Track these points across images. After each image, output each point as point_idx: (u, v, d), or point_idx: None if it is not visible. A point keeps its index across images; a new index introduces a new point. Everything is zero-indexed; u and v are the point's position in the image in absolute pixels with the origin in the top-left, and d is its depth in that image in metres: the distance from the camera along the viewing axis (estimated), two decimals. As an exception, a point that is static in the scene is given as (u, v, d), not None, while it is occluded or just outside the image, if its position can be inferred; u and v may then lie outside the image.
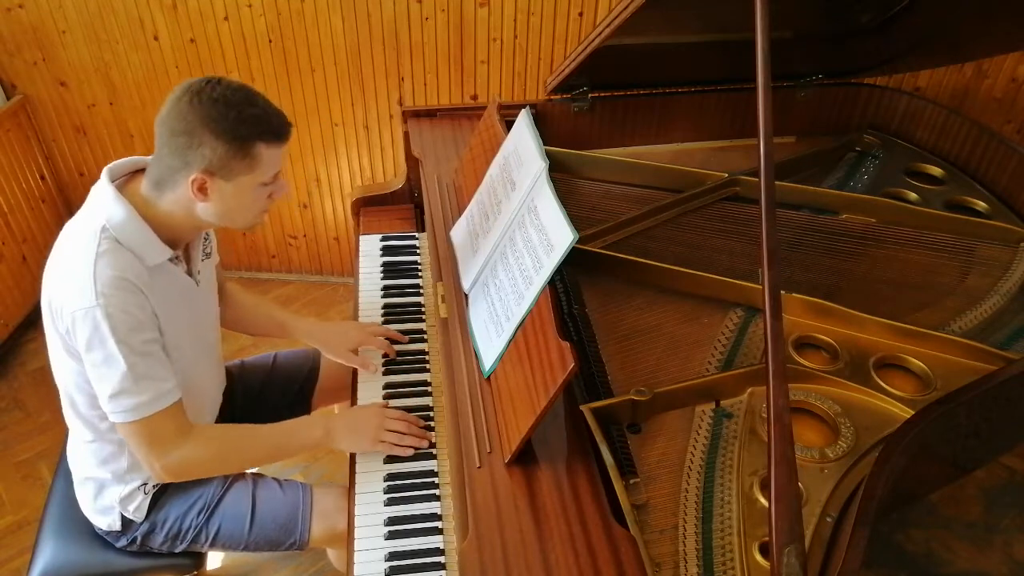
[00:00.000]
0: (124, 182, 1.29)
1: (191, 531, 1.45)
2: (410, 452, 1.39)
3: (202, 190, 1.21)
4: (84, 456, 1.42)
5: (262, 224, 1.37)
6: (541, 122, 1.83)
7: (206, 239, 1.46)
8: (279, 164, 1.27)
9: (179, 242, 1.33)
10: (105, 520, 1.45)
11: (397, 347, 1.61)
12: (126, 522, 1.44)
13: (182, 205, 1.25)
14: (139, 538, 1.46)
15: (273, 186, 1.29)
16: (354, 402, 1.53)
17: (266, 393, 1.72)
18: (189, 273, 1.38)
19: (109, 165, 1.28)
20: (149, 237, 1.25)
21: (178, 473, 1.35)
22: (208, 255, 1.46)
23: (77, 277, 1.19)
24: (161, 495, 1.46)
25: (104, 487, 1.42)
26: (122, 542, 1.47)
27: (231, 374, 1.71)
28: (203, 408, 1.50)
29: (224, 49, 2.47)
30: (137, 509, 1.43)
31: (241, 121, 1.18)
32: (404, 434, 1.39)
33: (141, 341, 1.22)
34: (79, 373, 1.27)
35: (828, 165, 1.89)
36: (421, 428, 1.43)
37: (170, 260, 1.30)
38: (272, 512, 1.47)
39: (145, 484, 1.43)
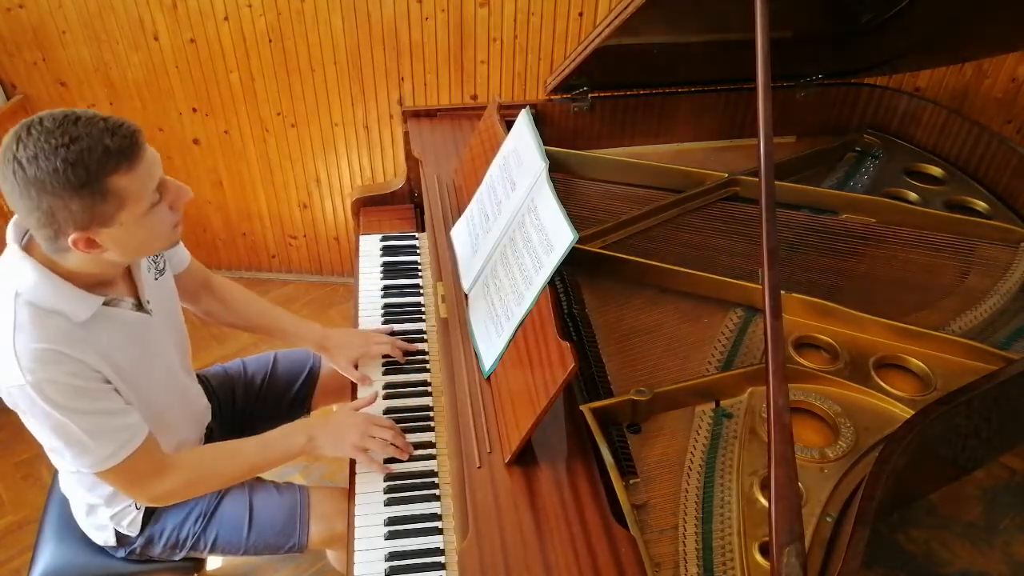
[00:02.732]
0: (32, 237, 1.16)
1: (189, 540, 1.45)
2: (387, 470, 1.36)
3: (90, 245, 1.09)
4: (71, 483, 1.40)
5: (180, 240, 1.22)
6: (541, 122, 1.83)
7: (156, 255, 1.36)
8: (153, 177, 1.10)
9: (109, 285, 1.22)
10: (101, 536, 1.44)
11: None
12: (121, 537, 1.44)
13: (88, 260, 1.13)
14: (138, 550, 1.45)
15: (165, 198, 1.14)
16: (354, 400, 1.53)
17: (267, 393, 1.72)
18: (139, 306, 1.28)
19: (13, 219, 1.16)
20: (69, 293, 1.14)
21: (163, 501, 1.35)
22: (162, 271, 1.37)
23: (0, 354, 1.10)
24: (155, 508, 1.44)
25: (95, 508, 1.41)
26: (121, 553, 1.46)
27: (231, 376, 1.71)
28: (181, 429, 1.44)
29: (224, 49, 2.47)
30: (131, 524, 1.42)
31: (72, 166, 1.01)
32: (387, 442, 1.37)
33: (84, 404, 1.14)
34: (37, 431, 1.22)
35: (828, 165, 1.89)
36: (404, 440, 1.40)
37: (107, 304, 1.19)
38: (270, 517, 1.47)
39: (134, 500, 1.41)
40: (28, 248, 1.15)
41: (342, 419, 1.41)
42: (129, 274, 1.28)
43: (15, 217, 1.16)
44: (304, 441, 1.39)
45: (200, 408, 1.53)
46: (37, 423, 1.16)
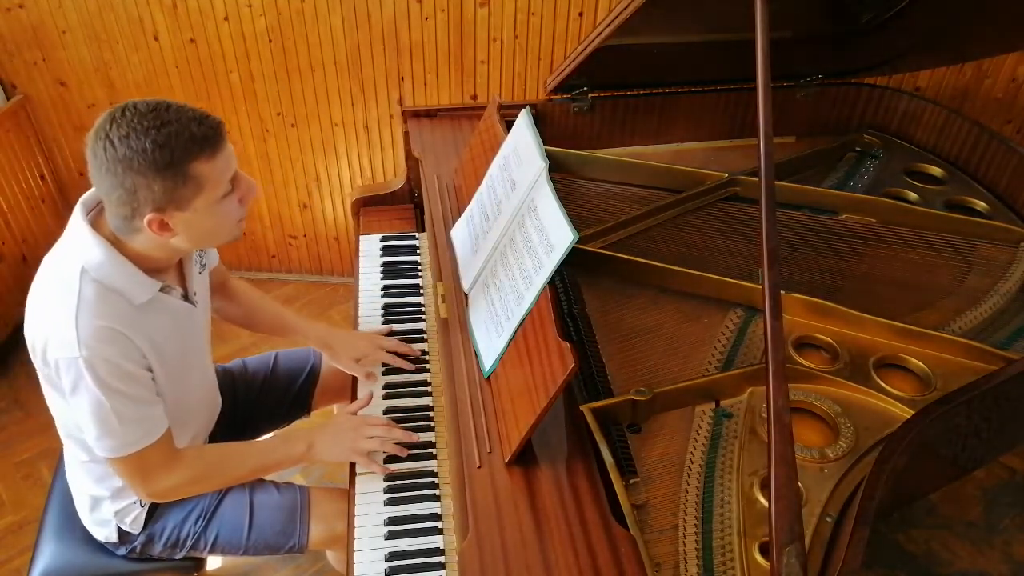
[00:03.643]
0: (98, 214, 1.21)
1: (189, 539, 1.45)
2: (387, 471, 1.36)
3: (163, 227, 1.14)
4: (79, 473, 1.41)
5: (241, 235, 1.26)
6: (541, 122, 1.83)
7: (202, 251, 1.41)
8: (230, 168, 1.17)
9: (163, 273, 1.27)
10: (103, 532, 1.45)
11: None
12: (123, 534, 1.44)
13: (154, 243, 1.18)
14: (138, 548, 1.46)
15: (236, 191, 1.19)
16: (354, 400, 1.53)
17: (267, 393, 1.72)
18: (186, 297, 1.33)
19: (82, 197, 1.22)
20: (132, 275, 1.19)
21: (163, 497, 1.36)
22: (204, 266, 1.42)
23: (59, 325, 1.14)
24: (157, 506, 1.45)
25: (100, 502, 1.42)
26: (121, 551, 1.47)
27: (234, 375, 1.71)
28: (199, 421, 1.47)
29: (224, 49, 2.47)
30: (134, 521, 1.43)
31: (160, 148, 1.07)
32: (385, 439, 1.37)
33: (126, 387, 1.18)
34: (67, 408, 1.24)
35: (828, 165, 1.89)
36: (402, 434, 1.40)
37: (161, 291, 1.24)
38: (270, 517, 1.47)
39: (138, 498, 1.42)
40: (94, 226, 1.19)
41: (338, 424, 1.42)
42: (180, 265, 1.33)
43: (85, 195, 1.22)
44: (304, 449, 1.40)
45: (216, 403, 1.55)
46: (75, 399, 1.18)
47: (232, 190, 1.18)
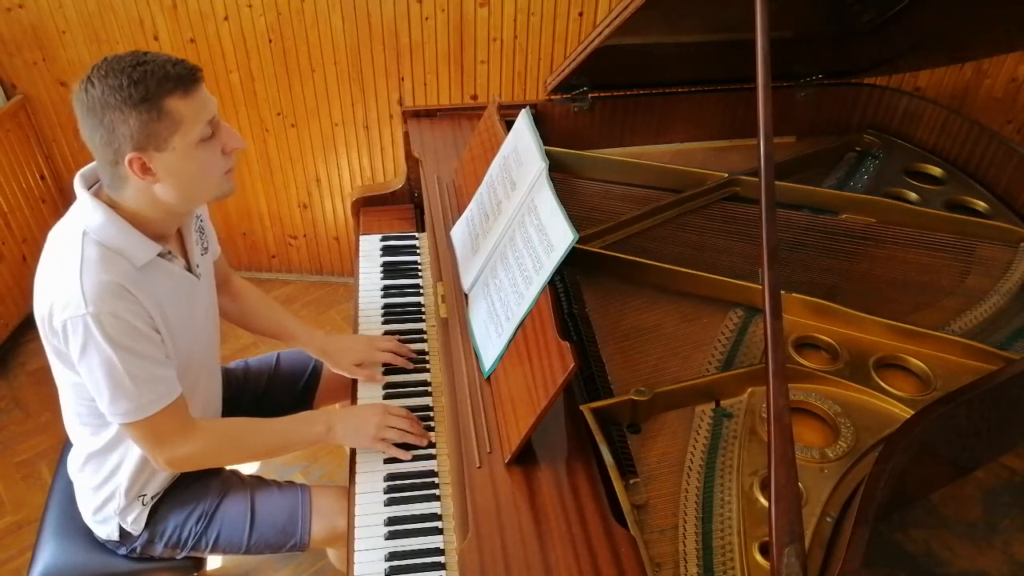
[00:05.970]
0: (99, 187, 1.25)
1: (191, 539, 1.45)
2: (408, 456, 1.38)
3: (144, 169, 1.16)
4: (85, 469, 1.41)
5: (234, 190, 1.28)
6: (541, 122, 1.83)
7: (201, 233, 1.42)
8: (208, 112, 1.18)
9: (164, 235, 1.29)
10: (104, 529, 1.45)
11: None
12: (124, 533, 1.44)
13: (143, 195, 1.20)
14: (139, 548, 1.46)
15: (217, 138, 1.21)
16: (354, 402, 1.53)
17: (270, 393, 1.72)
18: (189, 268, 1.35)
19: (80, 171, 1.26)
20: (132, 235, 1.21)
21: (181, 466, 1.35)
22: (206, 249, 1.43)
23: (65, 286, 1.16)
24: (159, 506, 1.45)
25: (103, 499, 1.42)
26: (122, 551, 1.47)
27: (236, 375, 1.71)
28: (206, 404, 1.48)
29: (224, 49, 2.47)
30: (135, 521, 1.43)
31: (135, 84, 1.11)
32: (405, 432, 1.39)
33: (136, 344, 1.19)
34: (78, 384, 1.25)
35: (828, 165, 1.89)
36: (421, 428, 1.42)
37: (162, 256, 1.26)
38: (271, 516, 1.47)
39: (144, 496, 1.42)
40: (99, 195, 1.23)
41: (360, 410, 1.42)
42: (180, 237, 1.35)
43: (83, 168, 1.27)
44: (323, 430, 1.40)
45: (216, 390, 1.54)
46: (84, 361, 1.18)
47: (212, 135, 1.20)
